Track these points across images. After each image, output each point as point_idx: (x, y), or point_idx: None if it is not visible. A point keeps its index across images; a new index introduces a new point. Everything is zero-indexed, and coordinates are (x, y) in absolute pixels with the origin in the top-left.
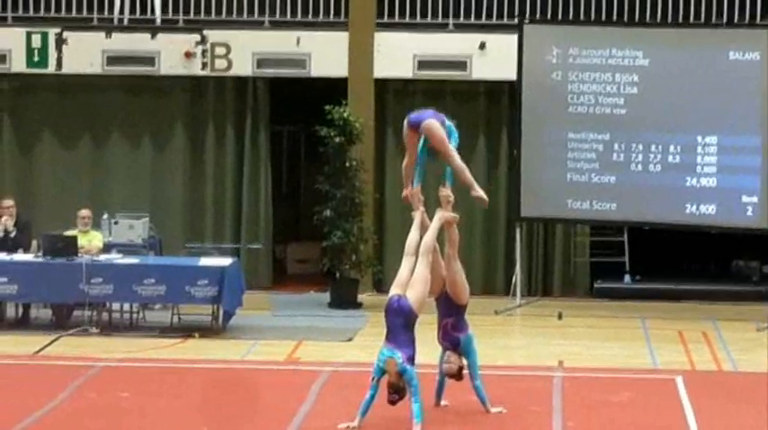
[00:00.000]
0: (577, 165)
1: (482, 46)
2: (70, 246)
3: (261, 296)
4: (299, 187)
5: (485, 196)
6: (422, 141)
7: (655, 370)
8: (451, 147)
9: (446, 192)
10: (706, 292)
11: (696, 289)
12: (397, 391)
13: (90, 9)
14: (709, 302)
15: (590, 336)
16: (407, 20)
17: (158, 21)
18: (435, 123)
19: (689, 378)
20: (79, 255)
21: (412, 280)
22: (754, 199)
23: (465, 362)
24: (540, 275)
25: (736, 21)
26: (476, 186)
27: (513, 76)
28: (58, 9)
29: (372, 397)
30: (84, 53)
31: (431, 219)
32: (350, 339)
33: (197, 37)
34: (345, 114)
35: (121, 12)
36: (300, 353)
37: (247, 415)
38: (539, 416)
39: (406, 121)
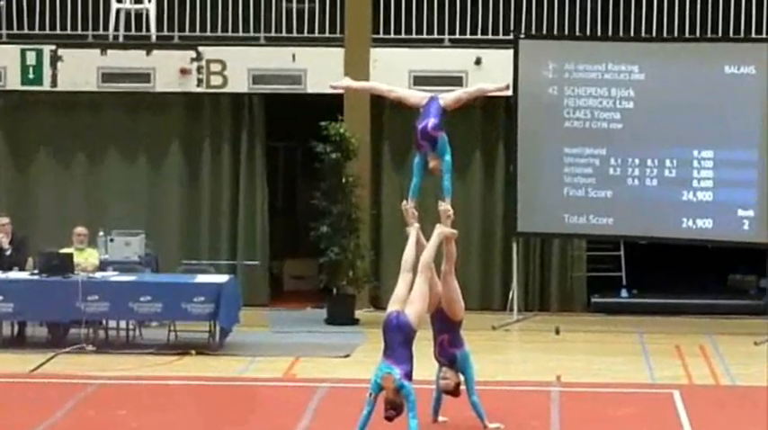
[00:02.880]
0: (574, 179)
1: (478, 61)
2: (66, 264)
3: (258, 313)
4: (296, 203)
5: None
6: (418, 156)
7: (652, 384)
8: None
9: (445, 206)
10: (703, 306)
11: (693, 303)
12: (395, 407)
13: (85, 26)
14: (706, 316)
15: (587, 351)
16: (403, 36)
17: (153, 38)
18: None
19: (686, 392)
20: (75, 272)
21: (411, 296)
22: (751, 213)
23: (462, 377)
24: (537, 290)
25: (731, 35)
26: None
27: (508, 91)
28: (52, 26)
29: (370, 413)
30: (80, 70)
31: (426, 235)
32: (347, 355)
33: (192, 53)
34: (341, 130)
35: (116, 29)
36: (297, 369)
37: None
38: None
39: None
